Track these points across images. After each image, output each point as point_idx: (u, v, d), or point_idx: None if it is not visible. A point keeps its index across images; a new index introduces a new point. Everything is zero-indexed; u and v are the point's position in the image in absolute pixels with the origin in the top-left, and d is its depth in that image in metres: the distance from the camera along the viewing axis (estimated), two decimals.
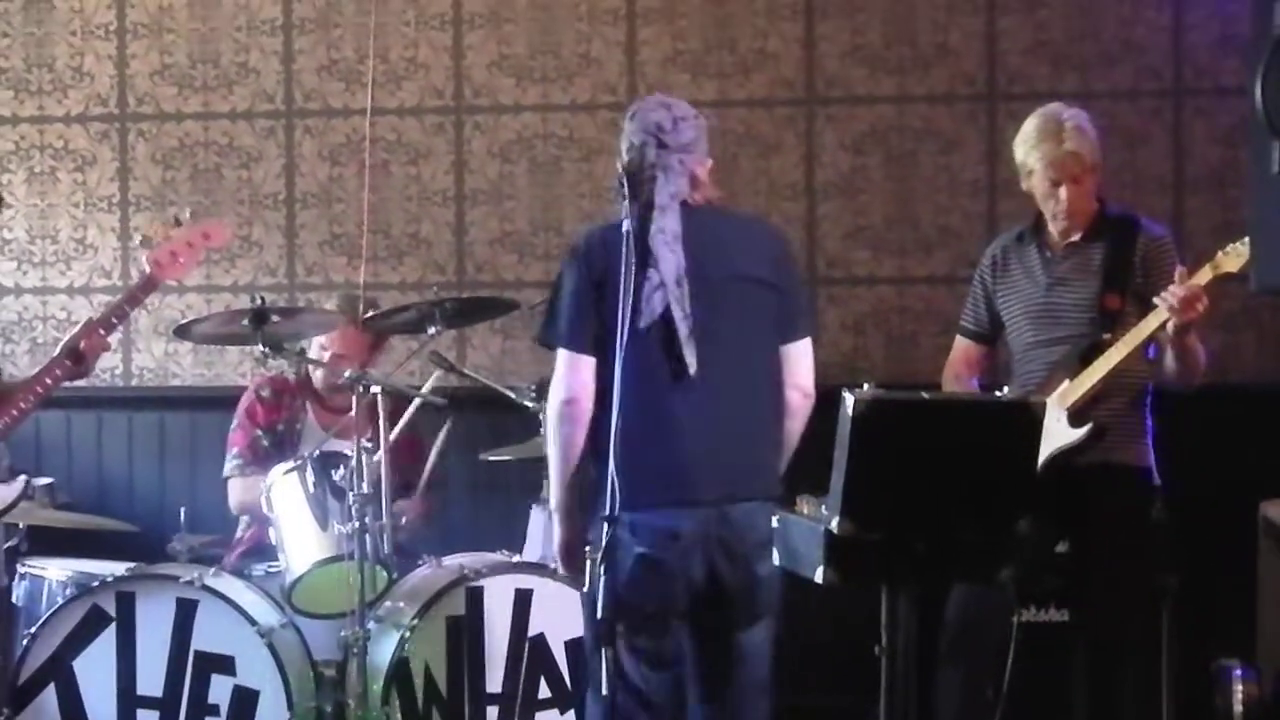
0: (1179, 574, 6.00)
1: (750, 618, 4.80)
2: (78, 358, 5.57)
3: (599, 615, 4.46)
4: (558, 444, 4.75)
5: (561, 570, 4.96)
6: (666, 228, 4.71)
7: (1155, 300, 5.36)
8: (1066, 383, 5.53)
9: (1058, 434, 5.44)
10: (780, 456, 4.87)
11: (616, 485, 4.45)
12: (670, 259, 4.69)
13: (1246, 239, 5.13)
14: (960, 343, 5.95)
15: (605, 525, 4.47)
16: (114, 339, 5.92)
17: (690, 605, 4.74)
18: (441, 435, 6.27)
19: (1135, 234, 5.64)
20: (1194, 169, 7.21)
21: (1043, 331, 5.65)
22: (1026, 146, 5.63)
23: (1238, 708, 5.93)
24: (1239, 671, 5.98)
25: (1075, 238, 5.65)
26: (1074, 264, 5.65)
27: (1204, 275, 5.35)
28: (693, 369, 4.67)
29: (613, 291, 4.62)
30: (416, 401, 6.13)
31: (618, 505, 4.49)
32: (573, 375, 4.71)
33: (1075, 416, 5.49)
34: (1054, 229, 5.67)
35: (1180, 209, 7.13)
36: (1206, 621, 6.21)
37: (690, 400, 4.70)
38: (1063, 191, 5.58)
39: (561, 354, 4.75)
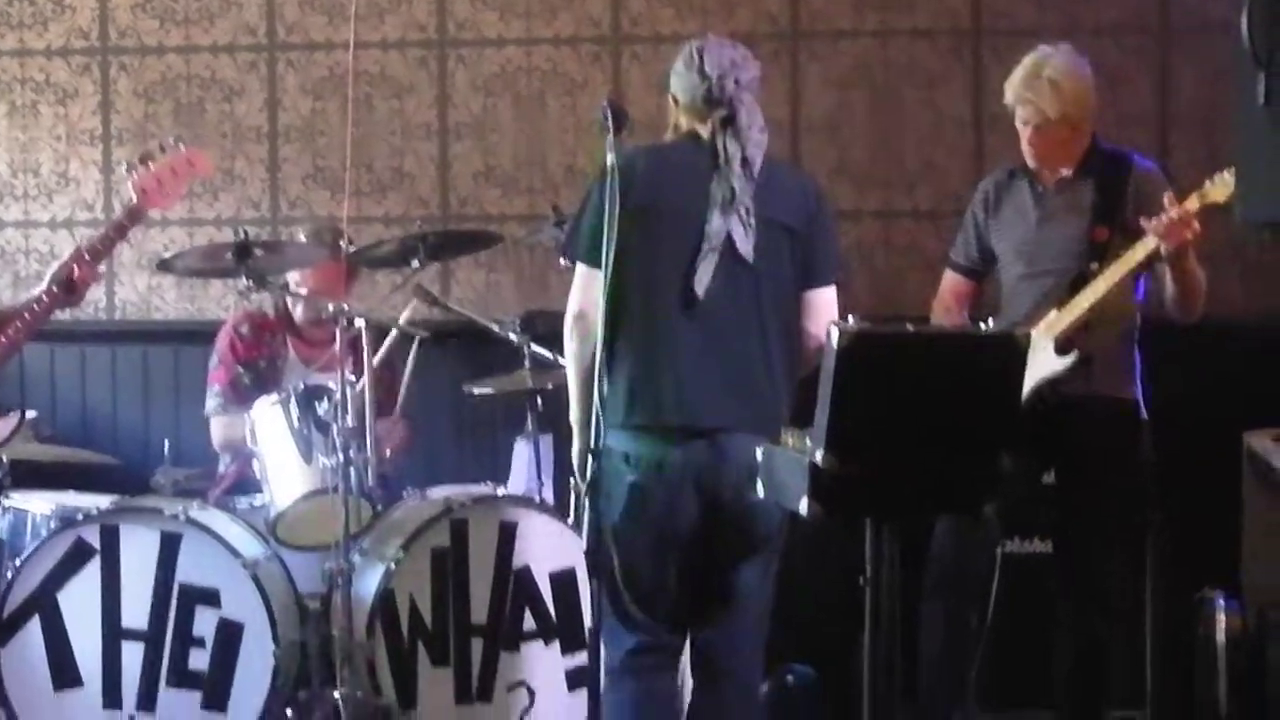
0: (1163, 506, 6.04)
1: (745, 550, 4.82)
2: (70, 287, 5.55)
3: (585, 547, 4.49)
4: (569, 358, 4.81)
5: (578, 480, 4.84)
6: (735, 161, 4.74)
7: (1143, 224, 5.37)
8: (1054, 313, 5.55)
9: (1044, 363, 5.46)
10: (784, 399, 4.85)
11: (601, 417, 4.48)
12: (732, 190, 4.73)
13: (1233, 169, 5.14)
14: (950, 277, 5.97)
15: (590, 458, 4.49)
16: (100, 270, 5.90)
17: (683, 535, 4.75)
18: (411, 356, 6.28)
19: (1127, 170, 5.67)
20: (1178, 106, 7.20)
21: (1032, 265, 5.67)
22: (1009, 85, 5.69)
23: (1221, 638, 5.97)
24: (1222, 602, 6.02)
25: (1066, 174, 5.69)
26: (1065, 200, 5.68)
27: (1192, 204, 5.37)
28: (700, 291, 4.70)
29: (636, 210, 4.64)
30: (393, 333, 6.13)
31: (604, 435, 4.53)
32: (585, 289, 4.73)
33: (1062, 346, 5.51)
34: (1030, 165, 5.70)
35: (1165, 145, 7.12)
36: (1190, 553, 6.25)
37: (691, 331, 4.72)
38: (1028, 134, 5.65)
39: (579, 268, 4.78)
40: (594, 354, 4.61)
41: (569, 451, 4.85)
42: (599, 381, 4.52)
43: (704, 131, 4.82)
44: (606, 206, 4.52)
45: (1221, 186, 5.31)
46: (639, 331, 4.70)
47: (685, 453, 4.69)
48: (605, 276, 4.51)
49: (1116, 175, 5.65)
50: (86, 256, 5.60)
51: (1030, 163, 5.71)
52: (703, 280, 4.70)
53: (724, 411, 4.73)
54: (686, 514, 4.72)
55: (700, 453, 4.69)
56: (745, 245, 4.72)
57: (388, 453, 6.15)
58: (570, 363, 4.80)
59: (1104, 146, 5.74)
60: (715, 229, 4.70)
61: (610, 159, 4.57)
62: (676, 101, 4.92)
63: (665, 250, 4.72)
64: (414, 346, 6.28)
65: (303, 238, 6.63)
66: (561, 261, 5.01)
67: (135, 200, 5.68)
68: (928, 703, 5.74)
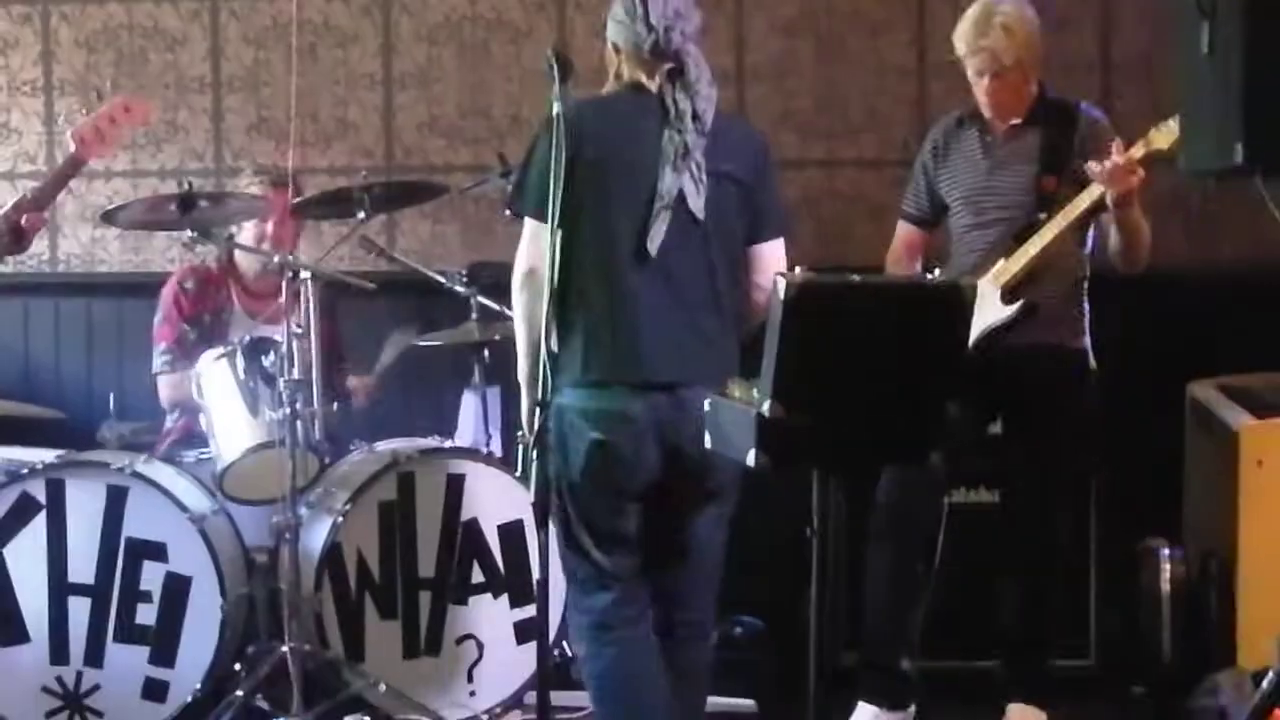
0: (1106, 455, 6.07)
1: (703, 500, 4.83)
2: (18, 233, 5.50)
3: (531, 500, 4.49)
4: (518, 314, 4.73)
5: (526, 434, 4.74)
6: (686, 115, 4.70)
7: (1088, 169, 5.39)
8: (1002, 262, 5.57)
9: (990, 311, 5.48)
10: (735, 350, 4.84)
11: (549, 370, 4.46)
12: (683, 144, 4.69)
13: (1177, 117, 5.15)
14: (902, 228, 5.97)
15: (537, 410, 4.48)
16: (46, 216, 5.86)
17: (643, 487, 4.75)
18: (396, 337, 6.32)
19: (1074, 118, 5.68)
20: (1123, 51, 7.21)
21: (981, 215, 5.69)
22: (957, 34, 5.66)
23: (1165, 587, 6.01)
24: (1166, 551, 6.06)
25: (1015, 122, 5.70)
26: (1012, 148, 5.69)
27: (1136, 151, 5.38)
28: (652, 251, 4.67)
29: (589, 162, 4.60)
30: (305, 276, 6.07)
31: (556, 391, 4.52)
32: (534, 245, 4.65)
33: (1009, 295, 5.53)
34: (986, 115, 5.71)
35: (1108, 91, 7.13)
36: (1133, 502, 6.28)
37: (645, 285, 4.69)
38: (984, 83, 5.63)
39: (527, 223, 4.70)
40: (544, 310, 4.58)
41: (517, 404, 4.83)
42: (547, 337, 4.49)
43: (649, 84, 4.76)
44: (553, 159, 4.49)
45: (1166, 134, 5.32)
46: (595, 287, 4.66)
47: (647, 406, 4.67)
48: (551, 230, 4.49)
49: (1064, 123, 5.66)
50: (32, 207, 5.56)
51: (987, 113, 5.71)
52: (655, 238, 4.66)
53: (682, 365, 4.70)
54: (648, 467, 4.71)
55: (661, 406, 4.67)
56: (696, 202, 4.69)
57: (351, 401, 6.17)
58: (520, 319, 4.73)
59: (1051, 95, 5.75)
60: (668, 186, 4.66)
61: (556, 109, 4.54)
62: (617, 50, 4.83)
63: (618, 205, 4.68)
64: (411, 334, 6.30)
65: (248, 181, 6.56)
66: (507, 213, 4.97)
67: (74, 149, 5.63)
68: (872, 650, 5.77)
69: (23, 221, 5.49)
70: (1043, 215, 5.54)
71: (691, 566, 4.89)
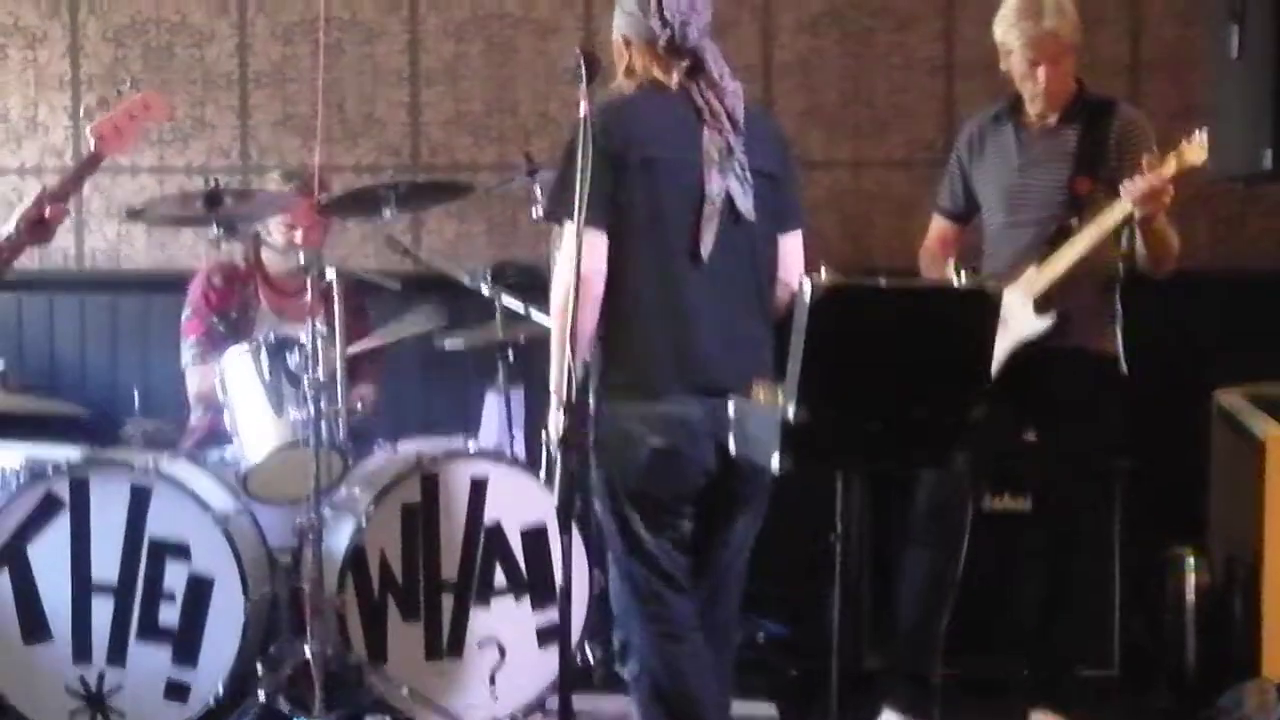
0: (1131, 460, 6.05)
1: (746, 503, 4.79)
2: (41, 224, 5.49)
3: (557, 503, 4.46)
4: (563, 326, 4.51)
5: (553, 451, 4.61)
6: (720, 111, 4.66)
7: (1120, 189, 5.35)
8: (1033, 270, 5.52)
9: (1024, 323, 5.46)
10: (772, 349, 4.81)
11: (588, 376, 4.42)
12: (725, 142, 4.65)
13: (1205, 129, 5.12)
14: (937, 222, 5.96)
15: (563, 414, 4.43)
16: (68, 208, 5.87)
17: (699, 491, 4.70)
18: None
19: (1111, 117, 5.62)
20: (1150, 51, 7.18)
21: (1014, 214, 5.66)
22: (1005, 25, 5.60)
23: (1190, 595, 5.99)
24: (1191, 559, 6.04)
25: (1051, 120, 5.65)
26: (1048, 146, 5.65)
27: (1167, 169, 5.31)
28: (705, 254, 4.61)
29: (637, 164, 4.56)
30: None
31: (606, 398, 4.50)
32: (590, 252, 4.49)
33: (1041, 304, 5.49)
34: (1031, 110, 5.66)
35: (1136, 91, 7.10)
36: (1159, 509, 6.26)
37: (701, 288, 4.64)
38: (1041, 72, 5.56)
39: (572, 229, 4.47)
40: (592, 321, 4.54)
41: (540, 406, 4.80)
42: (568, 343, 4.40)
43: (666, 80, 4.70)
44: (579, 158, 4.43)
45: (1198, 149, 5.27)
46: (650, 292, 4.59)
47: (703, 410, 4.61)
48: (578, 228, 4.42)
49: (1102, 122, 5.61)
50: (53, 200, 5.57)
51: (1038, 105, 5.62)
52: (708, 242, 4.60)
53: (735, 369, 4.61)
54: (706, 470, 4.67)
55: (718, 410, 4.59)
56: (745, 203, 4.65)
57: (359, 406, 6.15)
58: (563, 327, 4.50)
59: (1089, 93, 5.71)
60: (716, 190, 4.61)
61: (584, 108, 4.51)
62: (628, 43, 4.75)
63: (669, 208, 4.61)
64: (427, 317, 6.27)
65: (276, 181, 6.57)
66: (544, 219, 4.88)
67: (94, 145, 5.64)
68: (908, 659, 5.74)
69: (45, 213, 5.49)
70: (1075, 220, 5.50)
71: (726, 568, 4.86)
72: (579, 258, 4.40)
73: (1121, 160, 5.51)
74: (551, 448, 4.56)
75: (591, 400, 4.64)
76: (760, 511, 4.85)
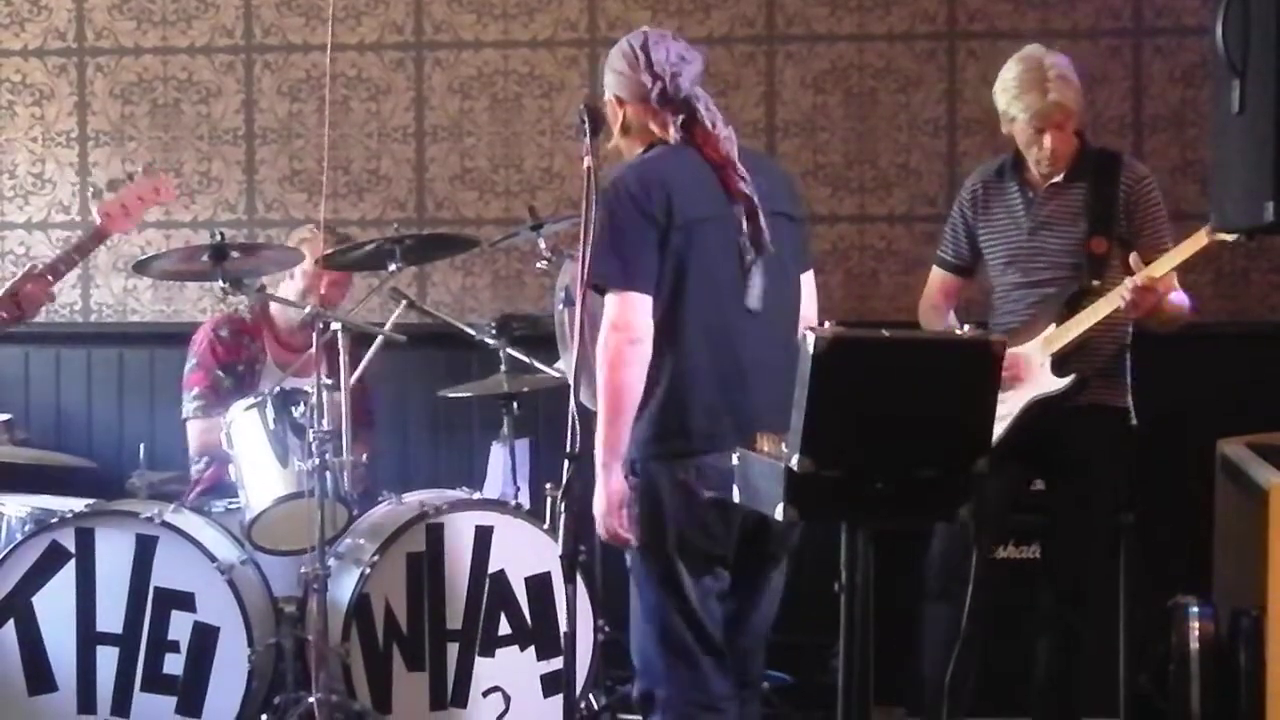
0: (1136, 512, 6.05)
1: (779, 554, 4.79)
2: (16, 304, 5.58)
3: (560, 552, 4.45)
4: (616, 388, 4.51)
5: (605, 530, 4.65)
6: (735, 161, 4.68)
7: (1120, 287, 5.36)
8: (1052, 328, 5.52)
9: (1041, 381, 5.47)
10: None
11: (577, 423, 4.42)
12: (749, 190, 4.66)
13: (1207, 228, 5.16)
14: (937, 273, 5.93)
15: (567, 463, 4.44)
16: (62, 283, 5.93)
17: (740, 543, 4.70)
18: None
19: (1118, 172, 5.61)
20: (1153, 109, 7.22)
21: (1027, 274, 5.64)
22: (1009, 96, 5.57)
23: (1194, 645, 5.97)
24: (1195, 609, 6.02)
25: (1058, 179, 5.62)
26: (1058, 205, 5.62)
27: (1198, 240, 5.31)
28: (755, 306, 4.65)
29: (684, 224, 4.57)
30: (379, 340, 6.09)
31: (578, 444, 4.47)
32: (636, 314, 4.51)
33: (1059, 363, 5.49)
34: (1036, 171, 5.63)
35: (1140, 149, 7.13)
36: (1164, 559, 6.26)
37: (753, 338, 4.66)
38: (1047, 139, 5.54)
39: (619, 294, 4.51)
40: (641, 383, 4.53)
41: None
42: (572, 394, 4.40)
43: (665, 134, 4.73)
44: (582, 212, 4.44)
45: (1191, 243, 5.33)
46: (705, 348, 4.59)
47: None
48: (581, 283, 4.43)
49: (1108, 177, 5.59)
50: (48, 276, 5.66)
51: (1044, 169, 5.60)
52: (755, 292, 4.65)
53: (772, 418, 4.64)
54: (749, 523, 4.66)
55: None
56: (774, 248, 4.68)
57: (364, 458, 6.17)
58: (621, 393, 4.51)
59: (1092, 147, 5.71)
60: (750, 237, 4.64)
61: (588, 163, 4.53)
62: (621, 102, 4.77)
63: (714, 263, 4.62)
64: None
65: (300, 238, 6.60)
66: (539, 266, 4.89)
67: (99, 223, 5.74)
68: (910, 705, 5.73)
69: (25, 289, 5.56)
70: (1096, 283, 5.49)
71: (758, 623, 4.86)
72: (627, 319, 4.47)
73: (1131, 220, 5.52)
74: (601, 526, 4.62)
75: (637, 457, 4.61)
76: (784, 565, 4.86)
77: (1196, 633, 5.98)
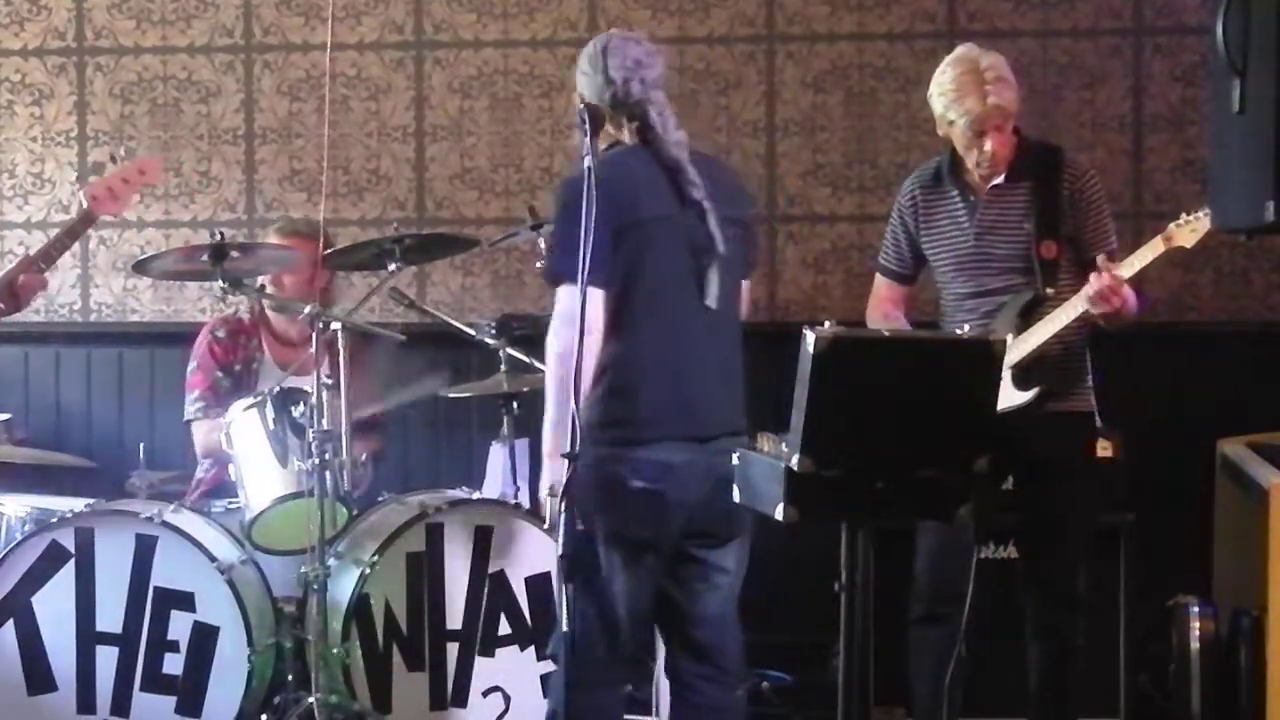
0: (1135, 512, 6.04)
1: (730, 539, 4.85)
2: (12, 294, 5.57)
3: (560, 552, 4.46)
4: (565, 378, 4.54)
5: (549, 512, 4.74)
6: (684, 161, 4.77)
7: (1080, 294, 5.31)
8: (1010, 338, 5.33)
9: (1005, 394, 5.36)
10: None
11: (578, 423, 4.43)
12: (702, 191, 4.74)
13: (1204, 212, 5.13)
14: (883, 281, 5.79)
15: (566, 462, 4.45)
16: (60, 277, 5.92)
17: (681, 532, 4.76)
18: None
19: (1060, 169, 5.51)
20: (1153, 108, 7.21)
21: (976, 282, 5.52)
22: (946, 100, 5.43)
23: (1194, 644, 5.97)
24: (1196, 608, 6.02)
25: (999, 180, 5.50)
26: (1001, 209, 5.50)
27: (1155, 247, 5.30)
28: (713, 305, 4.73)
29: (638, 223, 4.65)
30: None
31: (578, 442, 4.48)
32: (590, 310, 4.52)
33: (1020, 376, 5.43)
34: (976, 173, 5.50)
35: (1140, 148, 7.13)
36: (1164, 559, 6.25)
37: (703, 338, 4.76)
38: (987, 143, 5.40)
39: (572, 288, 4.53)
40: (590, 374, 4.59)
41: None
42: (573, 394, 4.42)
43: (620, 135, 4.84)
44: (583, 212, 4.46)
45: (1189, 231, 5.24)
46: (653, 345, 4.68)
47: (690, 454, 4.70)
48: (581, 283, 4.46)
49: (1049, 175, 5.49)
50: (40, 264, 5.64)
51: (986, 171, 5.47)
52: (713, 292, 4.73)
53: (726, 416, 4.78)
54: (688, 514, 4.73)
55: (705, 455, 4.69)
56: (724, 248, 4.76)
57: (363, 458, 6.17)
58: (567, 382, 4.50)
59: (1030, 142, 5.58)
60: (705, 238, 4.73)
61: (588, 162, 4.54)
62: (584, 102, 4.83)
63: (669, 263, 4.71)
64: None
65: (275, 236, 6.61)
66: (539, 266, 4.93)
67: (86, 207, 5.73)
68: (911, 707, 5.72)
69: (17, 282, 5.56)
70: (1050, 290, 5.43)
71: (712, 613, 4.91)
72: (582, 317, 4.44)
73: (1077, 219, 5.44)
74: (543, 498, 4.73)
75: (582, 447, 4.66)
76: (743, 559, 4.91)
77: (1196, 633, 5.98)
